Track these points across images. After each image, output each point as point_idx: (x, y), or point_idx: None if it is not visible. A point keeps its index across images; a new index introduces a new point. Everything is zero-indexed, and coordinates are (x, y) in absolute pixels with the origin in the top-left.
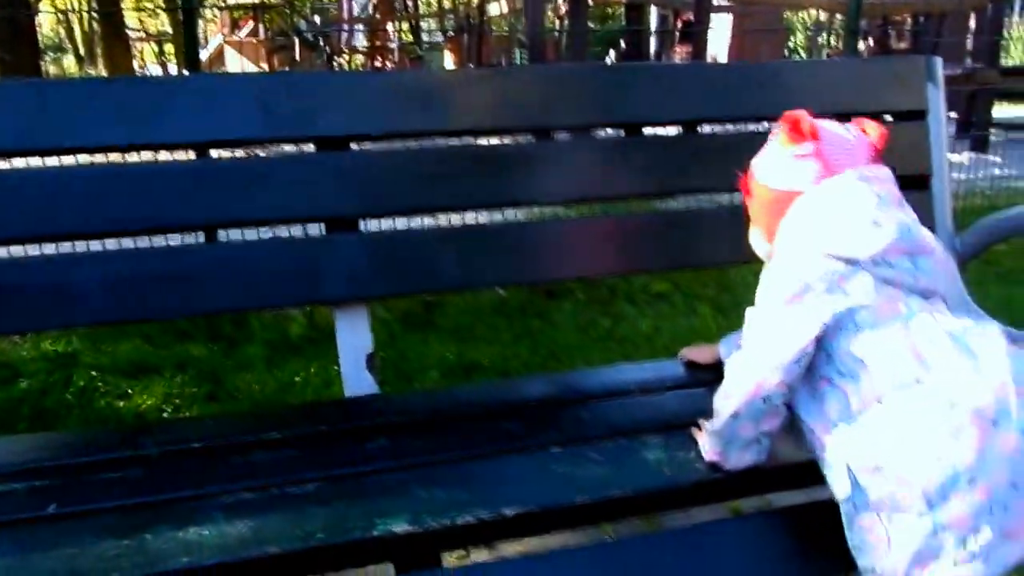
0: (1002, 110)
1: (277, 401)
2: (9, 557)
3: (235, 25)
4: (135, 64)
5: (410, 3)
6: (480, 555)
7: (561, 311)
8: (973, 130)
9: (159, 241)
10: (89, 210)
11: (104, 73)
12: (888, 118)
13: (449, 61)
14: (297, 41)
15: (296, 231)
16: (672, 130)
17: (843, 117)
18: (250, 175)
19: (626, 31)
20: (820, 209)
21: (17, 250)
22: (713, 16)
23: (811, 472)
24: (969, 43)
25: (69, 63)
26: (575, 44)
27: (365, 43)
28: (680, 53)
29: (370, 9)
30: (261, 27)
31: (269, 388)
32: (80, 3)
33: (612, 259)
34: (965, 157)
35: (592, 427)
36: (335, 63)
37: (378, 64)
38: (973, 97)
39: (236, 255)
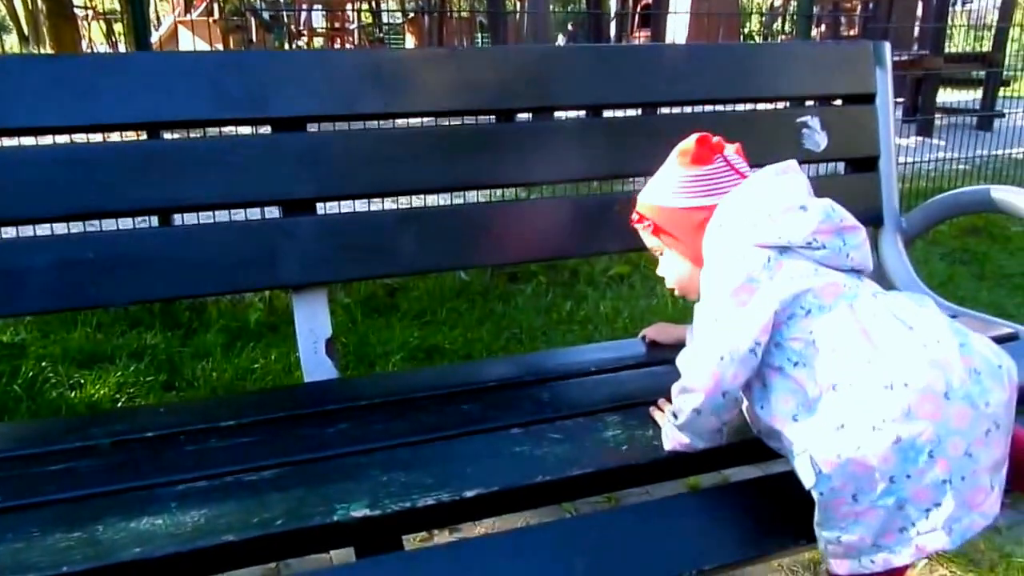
0: (946, 95)
1: (234, 388)
2: None
3: (188, 5)
4: (83, 44)
5: None
6: (443, 537)
7: (523, 294)
8: (919, 115)
9: (110, 225)
10: (36, 194)
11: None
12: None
13: (410, 43)
14: (253, 22)
15: (254, 214)
16: (632, 112)
17: (797, 100)
18: (204, 157)
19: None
20: (748, 204)
21: None
22: (671, 0)
23: (766, 447)
24: (915, 30)
25: (12, 42)
26: (536, 26)
27: (324, 24)
28: (639, 37)
29: None
30: (216, 7)
31: (227, 376)
32: None
33: (573, 241)
34: (912, 141)
35: (552, 407)
36: (293, 45)
37: (337, 46)
38: (919, 83)
39: (191, 239)
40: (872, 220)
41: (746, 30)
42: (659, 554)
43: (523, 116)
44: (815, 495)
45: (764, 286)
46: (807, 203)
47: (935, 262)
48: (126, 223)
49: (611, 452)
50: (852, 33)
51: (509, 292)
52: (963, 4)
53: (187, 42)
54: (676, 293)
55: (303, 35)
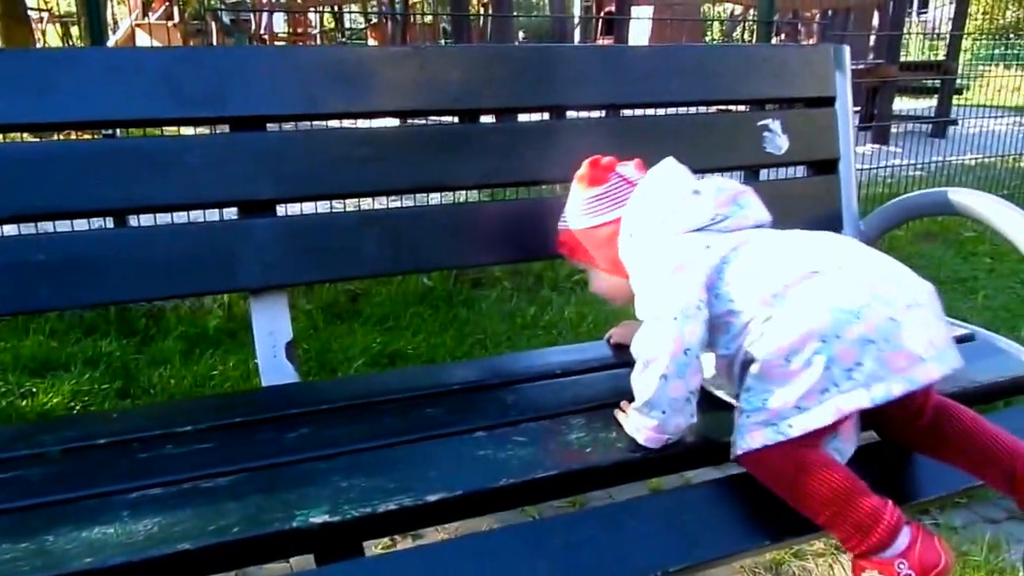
0: (902, 103)
1: (192, 396)
2: None
3: (147, 7)
4: (38, 47)
5: None
6: (408, 544)
7: (487, 299)
8: (875, 122)
9: (63, 226)
10: None
11: None
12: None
13: None
14: (214, 25)
15: (213, 216)
16: (596, 113)
17: (759, 103)
18: (160, 156)
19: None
20: (649, 207)
21: None
22: (634, 8)
23: (727, 449)
24: (872, 39)
25: None
26: (500, 31)
27: (286, 29)
28: (603, 43)
29: None
30: (175, 10)
31: (186, 383)
32: None
33: (537, 243)
34: (868, 148)
35: (516, 410)
36: None
37: None
38: (875, 91)
39: (147, 241)
40: (832, 222)
41: (708, 37)
42: (622, 556)
43: (487, 118)
44: (752, 362)
45: (693, 262)
46: (698, 187)
47: None
48: (80, 224)
49: (575, 454)
50: (811, 42)
51: (473, 297)
52: (918, 14)
53: (145, 46)
54: (613, 303)
55: (264, 39)
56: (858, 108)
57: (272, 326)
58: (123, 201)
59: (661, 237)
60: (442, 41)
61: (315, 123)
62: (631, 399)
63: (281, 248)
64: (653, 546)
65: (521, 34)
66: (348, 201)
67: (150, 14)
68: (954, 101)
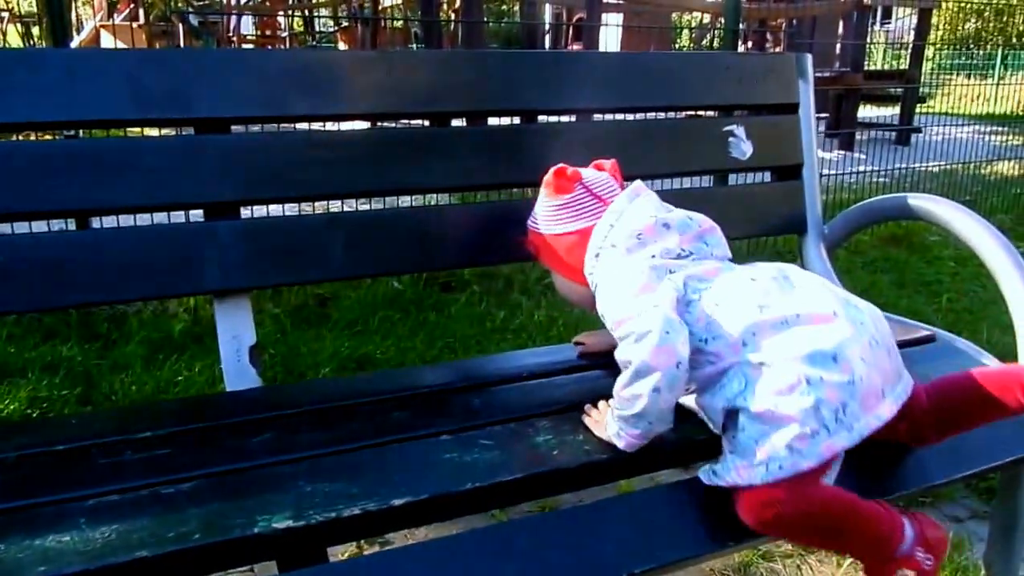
0: (866, 111)
1: (153, 399)
2: None
3: (112, 9)
4: None
5: None
6: (374, 548)
7: (457, 303)
8: (841, 129)
9: (22, 228)
10: None
11: None
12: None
13: None
14: (181, 27)
15: (179, 218)
16: (564, 118)
17: (724, 109)
18: (122, 158)
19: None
20: (616, 233)
21: None
22: (604, 15)
23: (695, 450)
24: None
25: None
26: (471, 36)
27: (255, 31)
28: (573, 49)
29: None
30: (141, 11)
31: (148, 388)
32: None
33: (507, 246)
34: (834, 155)
35: (483, 413)
36: None
37: None
38: (841, 99)
39: (108, 243)
40: (796, 226)
41: (677, 45)
42: (589, 558)
43: (455, 122)
44: (743, 408)
45: (659, 288)
46: (667, 219)
47: (858, 271)
48: (40, 226)
49: (542, 457)
50: (778, 50)
51: (443, 301)
52: (882, 24)
53: (109, 47)
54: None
55: (232, 42)
56: (825, 115)
57: (236, 330)
58: (83, 203)
59: (627, 264)
60: (413, 46)
61: (282, 126)
62: (595, 402)
63: (245, 251)
64: (619, 548)
65: (494, 46)
66: (317, 204)
67: (115, 15)
68: (918, 109)
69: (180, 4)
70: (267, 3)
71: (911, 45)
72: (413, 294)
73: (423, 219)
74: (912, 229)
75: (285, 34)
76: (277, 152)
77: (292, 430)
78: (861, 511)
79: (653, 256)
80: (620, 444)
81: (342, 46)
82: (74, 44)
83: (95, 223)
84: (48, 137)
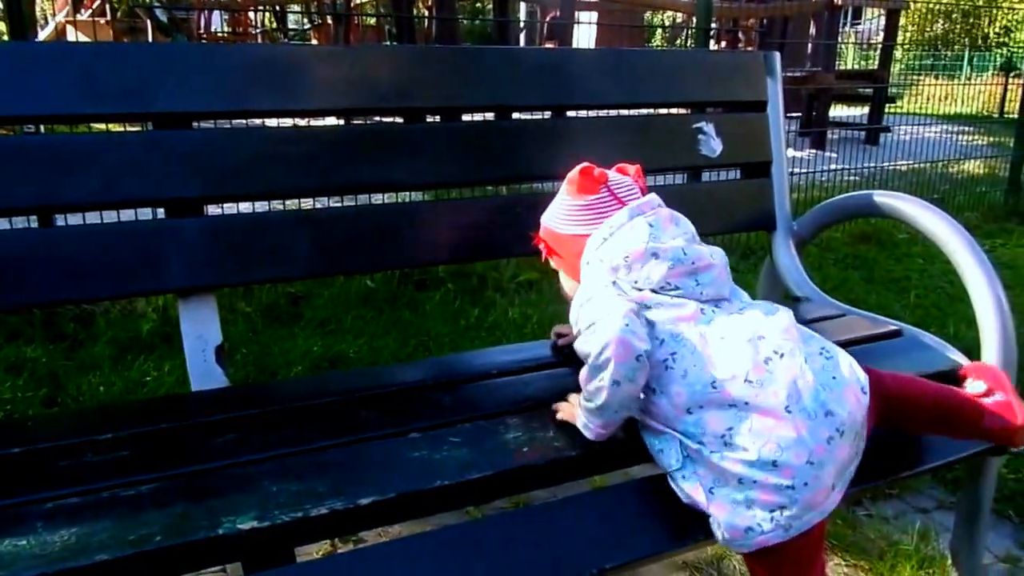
0: (837, 111)
1: (120, 400)
2: None
3: (79, 4)
4: None
5: None
6: (348, 547)
7: (431, 301)
8: (813, 128)
9: None
10: None
11: None
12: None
13: None
14: (150, 24)
15: (143, 215)
16: (538, 114)
17: (693, 106)
18: (81, 154)
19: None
20: (609, 249)
21: None
22: (578, 14)
23: None
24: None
25: None
26: (444, 34)
27: (226, 28)
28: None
29: None
30: (108, 7)
31: (116, 389)
32: None
33: (475, 245)
34: (806, 153)
35: (453, 411)
36: None
37: None
38: (813, 98)
39: (70, 241)
40: (765, 223)
41: (652, 44)
42: (559, 554)
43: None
44: (679, 483)
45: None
46: (658, 248)
47: (829, 267)
48: (2, 223)
49: (511, 454)
50: (750, 49)
51: (417, 299)
52: (851, 24)
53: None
54: None
55: (203, 39)
56: (797, 114)
57: (201, 329)
58: (41, 199)
59: (608, 286)
60: (387, 43)
61: (250, 121)
62: (565, 398)
63: (209, 249)
64: (590, 543)
65: (467, 44)
66: (281, 201)
67: (82, 11)
68: (888, 109)
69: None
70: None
71: (880, 46)
72: (387, 292)
73: (394, 216)
74: (882, 227)
75: (257, 31)
76: (241, 148)
77: (258, 430)
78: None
79: (631, 285)
80: (588, 435)
81: (315, 43)
82: (39, 40)
83: (59, 221)
84: (3, 132)
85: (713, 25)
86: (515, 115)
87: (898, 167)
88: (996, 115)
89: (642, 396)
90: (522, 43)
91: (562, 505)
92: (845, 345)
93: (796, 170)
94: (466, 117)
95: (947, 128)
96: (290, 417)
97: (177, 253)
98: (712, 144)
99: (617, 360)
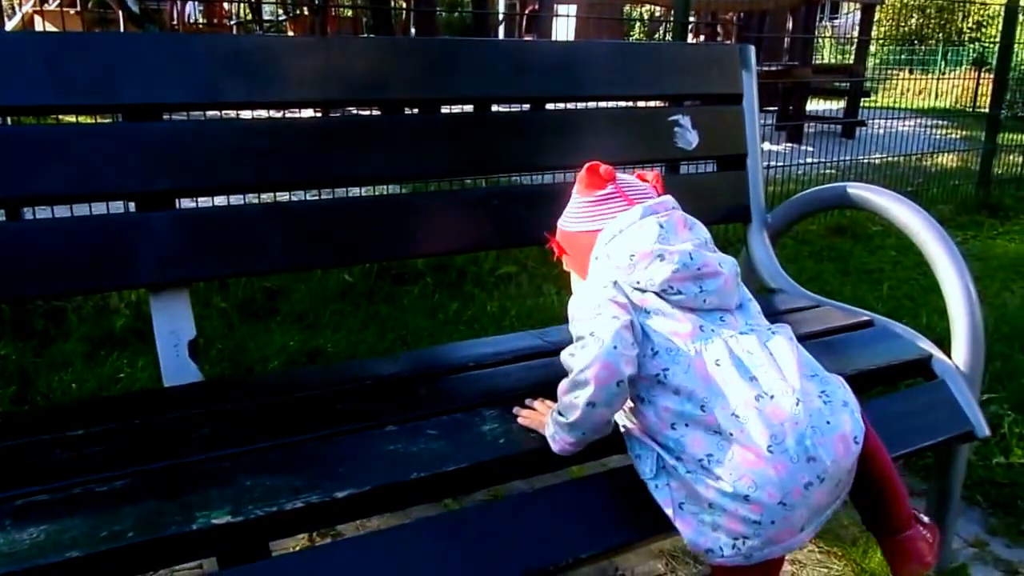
0: (814, 105)
1: (92, 397)
2: None
3: None
4: None
5: None
6: (327, 541)
7: (410, 295)
8: (790, 122)
9: None
10: None
11: None
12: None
13: None
14: (121, 14)
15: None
16: (516, 107)
17: (669, 99)
18: (47, 146)
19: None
20: (616, 246)
21: None
22: (557, 6)
23: None
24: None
25: None
26: (423, 26)
27: (200, 20)
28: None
29: None
30: None
31: (89, 386)
32: None
33: (453, 237)
34: (783, 147)
35: (429, 403)
36: None
37: None
38: (790, 92)
39: (37, 235)
40: (740, 215)
41: (631, 37)
42: (535, 544)
43: (403, 110)
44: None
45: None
46: (664, 251)
47: (804, 259)
48: None
49: (487, 446)
50: (729, 42)
51: (395, 293)
52: (829, 19)
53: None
54: None
55: (177, 30)
56: (775, 108)
57: (173, 324)
58: (8, 192)
59: (610, 284)
60: (365, 35)
61: (223, 113)
62: (544, 395)
63: (180, 242)
64: (566, 533)
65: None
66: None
67: (49, 0)
68: (863, 103)
69: None
70: None
71: (856, 40)
72: (364, 286)
73: (371, 209)
74: (856, 219)
75: (232, 22)
76: (214, 141)
77: (232, 424)
78: None
79: (632, 285)
80: (554, 447)
81: (291, 35)
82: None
83: (28, 214)
84: None
85: (691, 19)
86: (493, 107)
87: (873, 160)
88: (969, 109)
89: (630, 404)
90: (501, 35)
91: (539, 495)
92: (818, 336)
93: (773, 164)
94: (444, 109)
95: (921, 121)
96: (265, 411)
97: (148, 247)
98: (688, 136)
99: (597, 383)
